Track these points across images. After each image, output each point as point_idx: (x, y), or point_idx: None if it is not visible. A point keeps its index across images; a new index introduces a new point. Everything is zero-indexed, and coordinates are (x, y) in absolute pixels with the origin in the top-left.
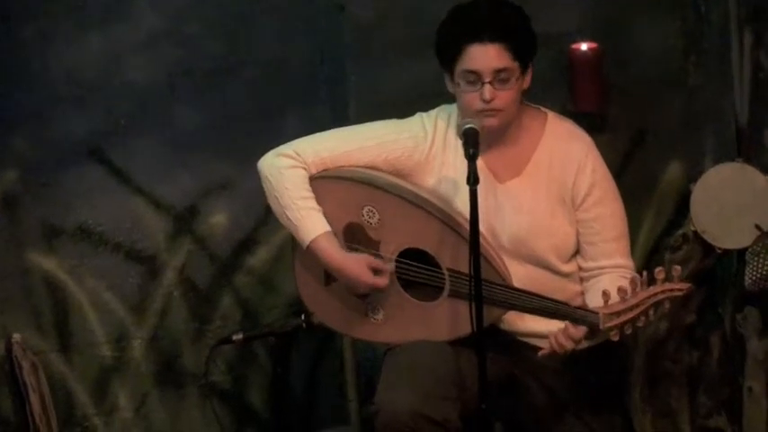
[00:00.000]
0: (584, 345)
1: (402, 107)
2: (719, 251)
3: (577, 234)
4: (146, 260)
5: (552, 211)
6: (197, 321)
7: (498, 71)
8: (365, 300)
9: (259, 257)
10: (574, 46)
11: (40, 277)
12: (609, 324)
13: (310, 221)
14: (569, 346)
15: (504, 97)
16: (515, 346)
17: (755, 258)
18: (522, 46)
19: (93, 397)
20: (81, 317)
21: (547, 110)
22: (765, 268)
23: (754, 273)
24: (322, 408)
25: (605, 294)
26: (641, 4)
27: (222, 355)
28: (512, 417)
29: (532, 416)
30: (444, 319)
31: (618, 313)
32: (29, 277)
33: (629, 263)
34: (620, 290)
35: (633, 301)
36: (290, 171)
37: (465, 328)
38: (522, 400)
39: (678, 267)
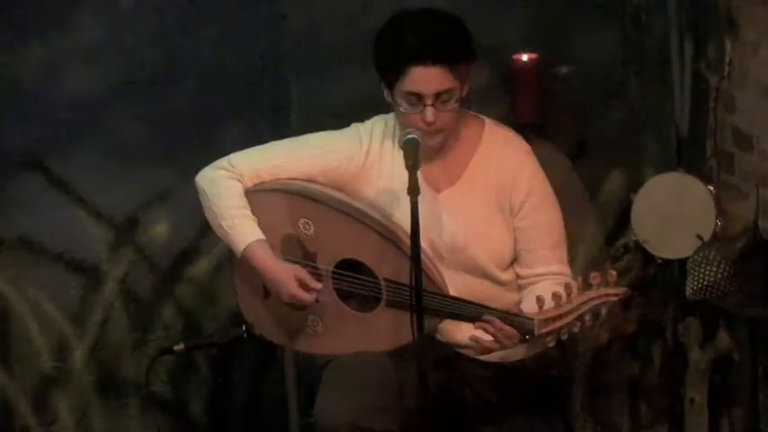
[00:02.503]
0: (520, 352)
1: (344, 116)
2: (660, 261)
3: (515, 241)
4: (87, 270)
5: (489, 218)
6: (138, 332)
7: (440, 93)
8: (304, 312)
9: (200, 267)
10: (514, 56)
11: None
12: (544, 330)
13: (243, 229)
14: (493, 332)
15: (446, 118)
16: (453, 357)
17: (697, 268)
18: (464, 63)
19: (33, 408)
20: (21, 327)
21: (484, 117)
22: (707, 278)
23: (696, 283)
24: (263, 418)
25: (539, 300)
26: (582, 15)
27: (163, 365)
28: (450, 428)
29: (471, 427)
30: (383, 329)
31: (553, 319)
32: None
33: (567, 270)
34: (555, 295)
35: (568, 307)
36: (224, 182)
37: (404, 337)
38: (461, 412)
39: (614, 272)
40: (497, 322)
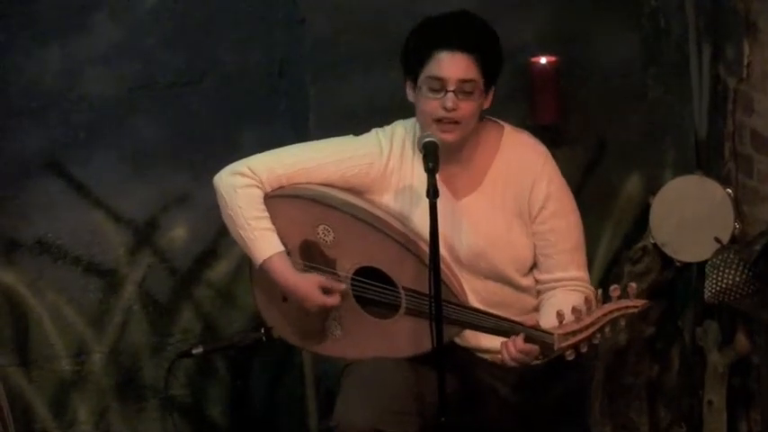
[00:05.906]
0: (540, 361)
1: (361, 120)
2: (679, 264)
3: (534, 246)
4: (105, 273)
5: (509, 224)
6: (157, 335)
7: (463, 81)
8: (323, 316)
9: (219, 270)
10: (533, 59)
11: None
12: (563, 344)
13: (263, 241)
14: (515, 354)
15: (465, 109)
16: (473, 361)
17: (715, 271)
18: (490, 62)
19: (52, 411)
20: (40, 331)
21: (504, 122)
22: (725, 281)
23: (714, 286)
24: (282, 421)
25: (559, 315)
26: (600, 18)
27: (182, 368)
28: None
29: (491, 431)
30: (402, 336)
31: (573, 333)
32: None
33: (585, 275)
34: (575, 309)
35: (588, 321)
36: (244, 190)
37: (423, 345)
38: (481, 416)
39: (633, 285)
40: (517, 344)
